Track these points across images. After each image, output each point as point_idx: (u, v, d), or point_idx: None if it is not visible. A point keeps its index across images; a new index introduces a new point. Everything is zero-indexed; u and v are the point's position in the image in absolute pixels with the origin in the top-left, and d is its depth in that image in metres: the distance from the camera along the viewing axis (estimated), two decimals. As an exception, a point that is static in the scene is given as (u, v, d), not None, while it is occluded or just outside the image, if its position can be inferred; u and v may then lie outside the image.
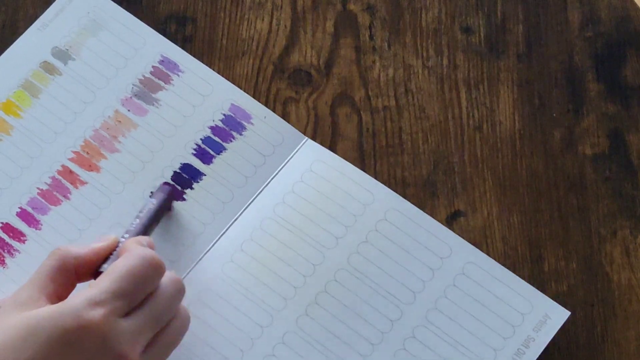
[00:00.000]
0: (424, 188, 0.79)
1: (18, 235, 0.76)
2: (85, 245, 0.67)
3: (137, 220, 0.72)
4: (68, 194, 0.77)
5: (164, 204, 0.75)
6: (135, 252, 0.64)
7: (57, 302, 0.63)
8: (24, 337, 0.59)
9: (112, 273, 0.62)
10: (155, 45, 0.82)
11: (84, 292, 0.61)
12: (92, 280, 0.66)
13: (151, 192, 0.76)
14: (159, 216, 0.74)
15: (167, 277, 0.65)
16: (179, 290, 0.66)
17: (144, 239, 0.68)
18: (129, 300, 0.62)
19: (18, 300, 0.62)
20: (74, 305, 0.60)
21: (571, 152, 0.80)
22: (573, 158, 0.80)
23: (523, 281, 0.75)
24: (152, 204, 0.73)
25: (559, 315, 0.74)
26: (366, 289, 0.75)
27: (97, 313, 0.60)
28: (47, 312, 0.60)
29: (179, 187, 0.78)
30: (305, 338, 0.74)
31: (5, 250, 0.75)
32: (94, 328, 0.60)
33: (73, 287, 0.66)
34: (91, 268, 0.66)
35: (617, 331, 0.76)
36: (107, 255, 0.67)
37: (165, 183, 0.77)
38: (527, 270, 0.76)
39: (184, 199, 0.77)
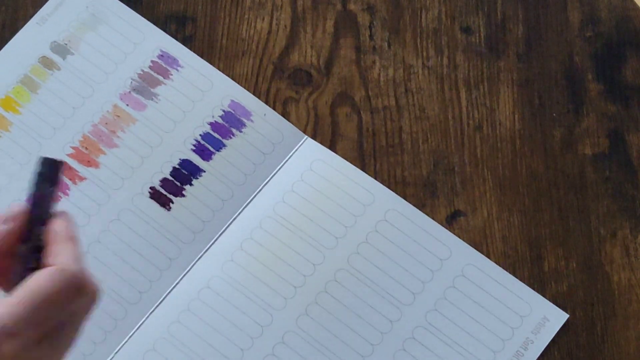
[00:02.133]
0: (424, 188, 0.79)
1: (17, 233, 0.75)
2: None
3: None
4: (67, 190, 0.77)
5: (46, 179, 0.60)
6: (49, 272, 0.57)
7: None
8: None
9: (25, 296, 0.57)
10: (154, 40, 0.82)
11: None
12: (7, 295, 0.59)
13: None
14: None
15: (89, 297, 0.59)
16: (93, 307, 0.59)
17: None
18: (43, 328, 0.57)
19: None
20: None
21: (571, 152, 0.80)
22: (573, 158, 0.80)
23: (522, 283, 0.75)
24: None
25: (557, 317, 0.75)
26: (366, 289, 0.75)
27: (11, 347, 0.56)
28: None
29: (179, 183, 0.77)
30: (305, 338, 0.74)
31: (5, 249, 0.75)
32: None
33: None
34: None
35: (617, 331, 0.75)
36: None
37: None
38: (527, 270, 0.76)
39: (183, 195, 0.77)
